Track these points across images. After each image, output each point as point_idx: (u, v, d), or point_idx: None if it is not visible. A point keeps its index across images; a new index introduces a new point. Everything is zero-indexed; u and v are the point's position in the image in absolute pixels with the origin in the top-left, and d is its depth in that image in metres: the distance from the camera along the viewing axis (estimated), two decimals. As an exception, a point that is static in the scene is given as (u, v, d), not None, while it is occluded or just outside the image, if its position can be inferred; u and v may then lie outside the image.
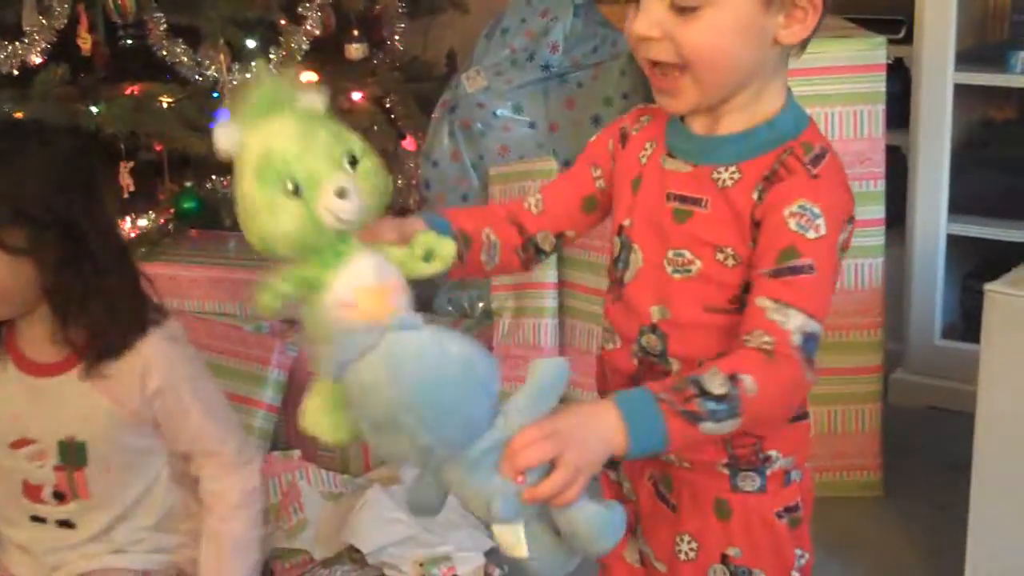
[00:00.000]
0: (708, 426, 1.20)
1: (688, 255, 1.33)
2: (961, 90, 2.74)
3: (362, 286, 1.22)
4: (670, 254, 1.35)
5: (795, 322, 1.24)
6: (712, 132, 1.35)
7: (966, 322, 2.82)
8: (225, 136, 1.25)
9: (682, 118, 1.37)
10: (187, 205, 2.90)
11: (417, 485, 1.25)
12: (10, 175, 1.62)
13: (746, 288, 1.30)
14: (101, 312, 1.67)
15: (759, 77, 1.32)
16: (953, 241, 2.82)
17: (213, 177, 2.95)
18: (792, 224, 1.26)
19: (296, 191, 1.20)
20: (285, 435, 2.64)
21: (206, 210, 2.94)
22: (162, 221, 2.91)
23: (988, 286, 1.98)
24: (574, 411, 1.20)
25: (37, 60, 2.79)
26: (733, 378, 1.21)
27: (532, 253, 1.48)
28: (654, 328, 1.36)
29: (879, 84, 2.35)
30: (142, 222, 2.89)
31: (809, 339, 1.25)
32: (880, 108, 2.35)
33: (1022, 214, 2.78)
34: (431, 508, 1.26)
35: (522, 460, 1.16)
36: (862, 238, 2.38)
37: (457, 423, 1.17)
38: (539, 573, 1.22)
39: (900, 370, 2.92)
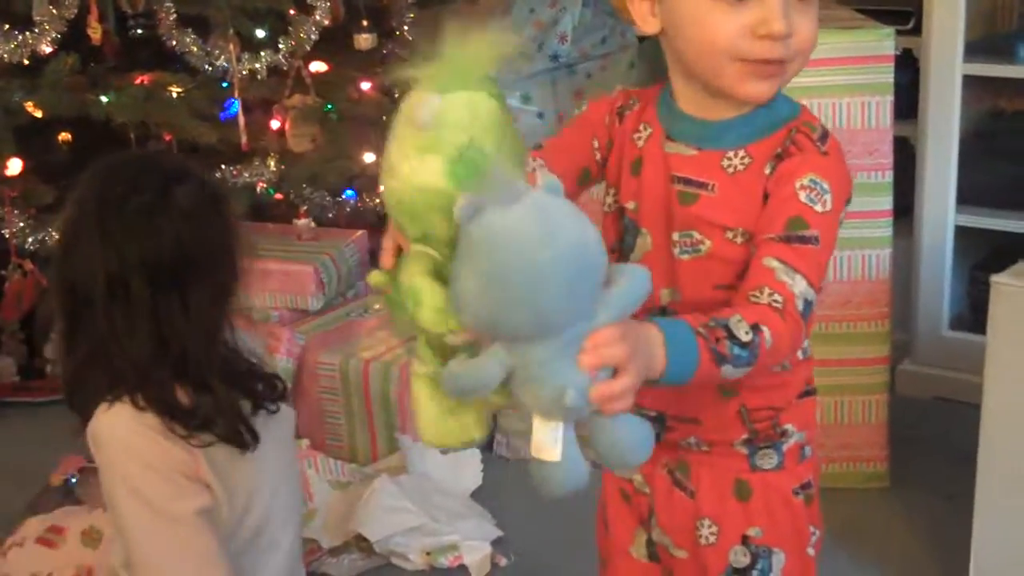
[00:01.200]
0: (727, 369, 1.21)
1: (696, 235, 1.35)
2: (970, 81, 2.74)
3: None
4: (676, 236, 1.36)
5: (800, 287, 1.26)
6: (709, 116, 1.36)
7: (974, 313, 2.82)
8: (428, 106, 1.14)
9: (675, 100, 1.38)
10: (196, 194, 2.90)
11: (477, 361, 1.14)
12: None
13: None
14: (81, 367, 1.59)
15: None
16: (961, 232, 2.82)
17: (222, 167, 2.96)
18: (803, 196, 1.29)
19: None
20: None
21: (215, 200, 2.93)
22: (171, 210, 2.91)
23: (995, 277, 1.98)
24: (630, 324, 1.17)
25: (47, 50, 2.79)
26: (756, 328, 1.22)
27: None
28: (663, 310, 1.37)
29: (887, 75, 2.34)
30: (151, 211, 2.89)
31: (808, 306, 1.27)
32: (888, 99, 2.35)
33: (1030, 205, 2.78)
34: (484, 386, 1.15)
35: (606, 356, 1.13)
36: (870, 229, 2.39)
37: (581, 296, 1.12)
38: (560, 482, 1.16)
39: (907, 361, 2.92)
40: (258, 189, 2.99)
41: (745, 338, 1.21)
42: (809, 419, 1.42)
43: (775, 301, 1.25)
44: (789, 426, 1.40)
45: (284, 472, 1.70)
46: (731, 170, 1.34)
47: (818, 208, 1.29)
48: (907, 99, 2.77)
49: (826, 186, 1.30)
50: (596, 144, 1.44)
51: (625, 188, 1.42)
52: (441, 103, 1.14)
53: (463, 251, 1.11)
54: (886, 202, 2.39)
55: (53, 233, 2.83)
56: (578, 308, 1.12)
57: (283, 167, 3.00)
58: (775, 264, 1.27)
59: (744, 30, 1.28)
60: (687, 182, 1.35)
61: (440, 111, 1.14)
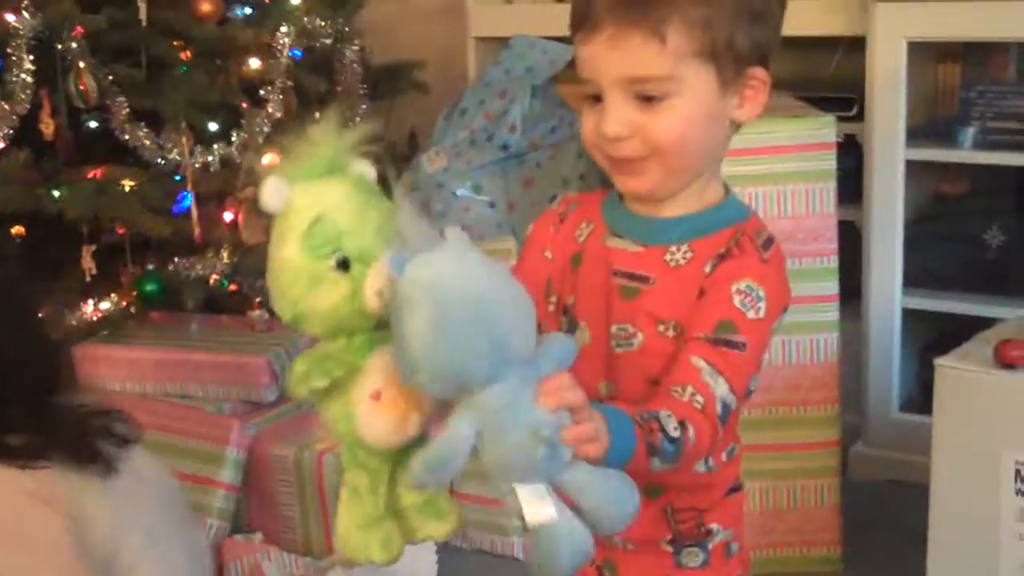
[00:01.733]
0: (656, 462, 1.22)
1: (631, 328, 1.35)
2: (913, 166, 2.79)
3: (392, 380, 1.16)
4: (613, 329, 1.36)
5: (721, 390, 1.27)
6: (656, 214, 1.36)
7: (924, 395, 2.84)
8: (275, 192, 1.19)
9: (622, 199, 1.39)
10: (149, 288, 2.90)
11: (447, 431, 1.13)
12: None
13: None
14: None
15: (715, 159, 1.37)
16: (909, 314, 2.86)
17: (175, 259, 2.96)
18: (737, 300, 1.29)
19: (344, 266, 1.16)
20: (247, 517, 2.64)
21: (168, 293, 2.94)
22: (124, 304, 2.91)
23: (938, 360, 2.01)
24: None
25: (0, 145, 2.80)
26: (683, 425, 1.23)
27: None
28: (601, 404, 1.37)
29: (829, 162, 2.39)
30: (104, 305, 2.89)
31: (726, 410, 1.28)
32: (831, 186, 2.39)
33: (976, 287, 2.82)
34: (459, 454, 1.13)
35: (566, 398, 1.14)
36: (817, 313, 2.41)
37: (528, 328, 1.13)
38: (566, 547, 1.15)
39: (860, 443, 2.93)
40: (212, 281, 2.99)
41: (674, 433, 1.22)
42: (736, 515, 1.43)
43: (696, 401, 1.25)
44: (714, 525, 1.40)
45: (166, 530, 1.68)
46: (673, 263, 1.34)
47: (750, 314, 1.29)
48: (853, 184, 2.82)
49: (762, 293, 1.30)
50: (549, 255, 1.45)
51: (565, 284, 1.42)
52: (290, 190, 1.19)
53: (400, 311, 1.10)
54: (832, 287, 2.42)
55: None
56: (527, 341, 1.13)
57: (236, 259, 3.01)
58: (701, 364, 1.27)
59: (597, 129, 1.32)
60: (630, 276, 1.36)
61: (288, 197, 1.18)
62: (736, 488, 1.44)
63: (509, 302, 1.11)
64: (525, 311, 1.14)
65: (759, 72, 1.33)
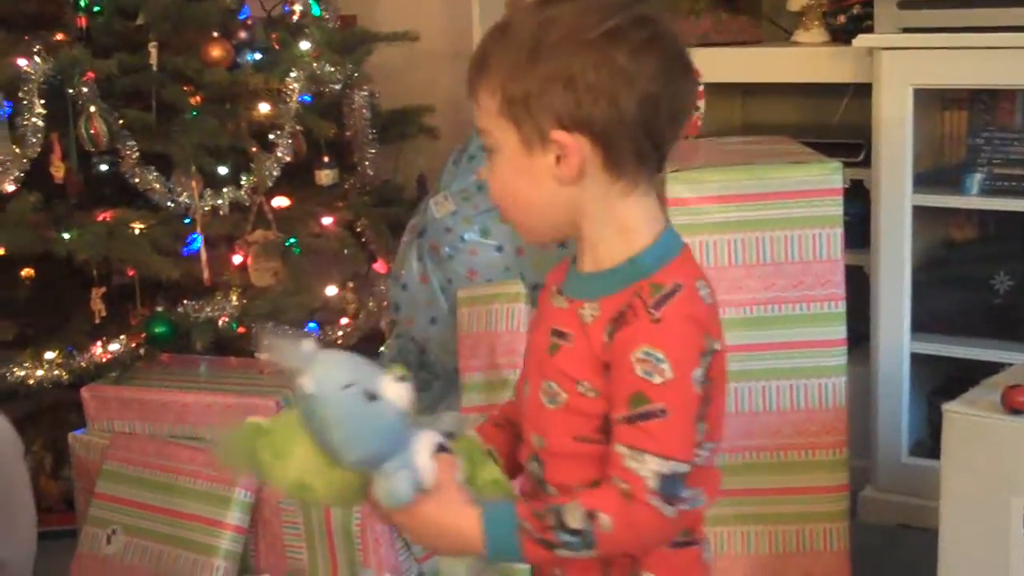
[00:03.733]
0: (563, 552, 1.29)
1: (555, 387, 1.37)
2: (920, 211, 2.80)
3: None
4: (543, 385, 1.39)
5: (650, 467, 1.28)
6: (580, 270, 1.40)
7: (933, 439, 2.82)
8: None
9: (574, 258, 1.43)
10: (158, 330, 2.91)
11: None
12: None
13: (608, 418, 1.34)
14: None
15: (588, 216, 1.37)
16: (917, 359, 2.86)
17: (184, 302, 2.98)
18: (639, 370, 1.29)
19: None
20: (255, 559, 2.63)
21: (177, 334, 2.95)
22: (133, 345, 2.92)
23: (946, 405, 2.01)
24: (442, 508, 1.32)
25: (10, 188, 2.82)
26: (591, 515, 1.28)
27: None
28: (535, 456, 1.41)
29: (836, 208, 2.39)
30: (114, 347, 2.91)
31: (667, 480, 1.28)
32: (838, 231, 2.39)
33: (984, 332, 2.82)
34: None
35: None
36: (824, 358, 2.41)
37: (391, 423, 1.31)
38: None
39: (869, 487, 2.93)
40: (220, 323, 3.00)
41: (576, 525, 1.28)
42: (681, 570, 1.40)
43: (623, 488, 1.29)
44: (647, 574, 1.38)
45: None
46: (583, 319, 1.36)
47: (656, 380, 1.29)
48: (860, 229, 2.82)
49: (660, 355, 1.29)
50: None
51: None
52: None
53: (307, 422, 1.31)
54: (840, 331, 2.42)
55: (14, 368, 2.83)
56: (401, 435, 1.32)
57: (245, 301, 3.02)
58: (623, 450, 1.29)
59: None
60: (557, 333, 1.39)
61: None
62: (684, 543, 1.40)
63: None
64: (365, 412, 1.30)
65: (563, 136, 1.33)
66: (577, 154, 1.34)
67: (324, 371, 1.28)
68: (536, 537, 1.28)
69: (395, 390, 1.30)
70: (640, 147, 1.35)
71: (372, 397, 1.28)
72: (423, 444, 1.32)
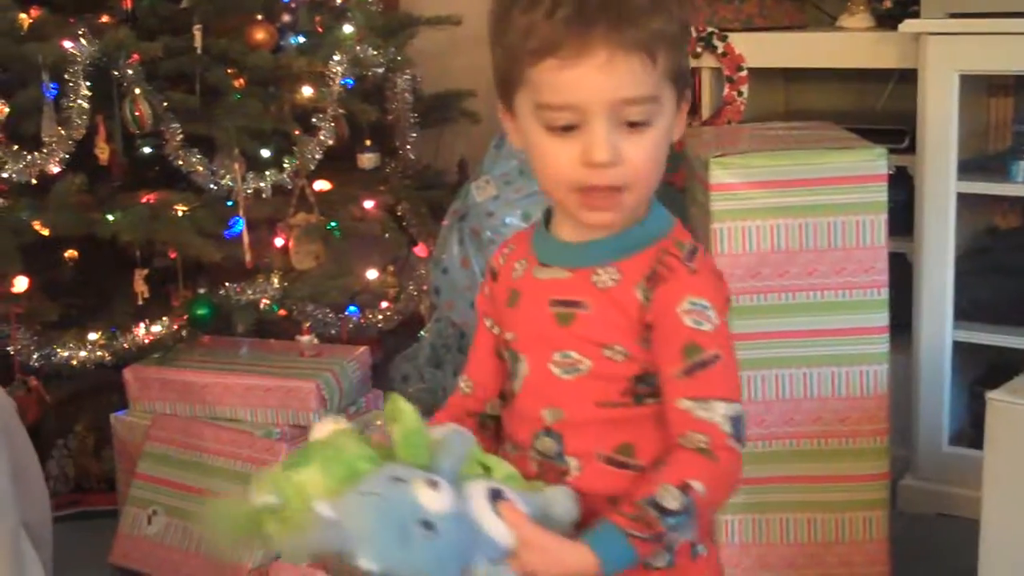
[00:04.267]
0: (674, 535, 1.29)
1: (575, 355, 1.36)
2: (964, 199, 2.78)
3: None
4: (556, 356, 1.38)
5: (720, 412, 1.30)
6: (582, 239, 1.38)
7: (974, 429, 2.82)
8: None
9: (547, 228, 1.42)
10: (200, 312, 2.93)
11: None
12: None
13: (638, 379, 1.35)
14: None
15: None
16: (959, 348, 2.84)
17: (226, 284, 2.99)
18: (687, 321, 1.31)
19: None
20: (294, 541, 2.65)
21: (219, 317, 2.97)
22: (175, 327, 2.94)
23: (990, 394, 1.99)
24: (550, 562, 1.26)
25: (55, 169, 2.84)
26: (685, 488, 1.28)
27: (490, 423, 1.51)
28: (548, 431, 1.39)
29: (880, 194, 2.37)
30: (156, 328, 2.92)
31: (736, 422, 1.31)
32: (882, 218, 2.37)
33: (1028, 321, 2.80)
34: None
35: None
36: (866, 345, 2.40)
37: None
38: None
39: (909, 476, 2.91)
40: (262, 306, 3.02)
41: (676, 505, 1.27)
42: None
43: (700, 443, 1.30)
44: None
45: None
46: (601, 286, 1.35)
47: (707, 327, 1.31)
48: (904, 215, 2.80)
49: (706, 302, 1.32)
50: (489, 322, 1.49)
51: (506, 321, 1.45)
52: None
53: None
54: (882, 318, 2.40)
55: (57, 349, 2.86)
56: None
57: (287, 284, 3.03)
58: (688, 404, 1.31)
59: (574, 160, 1.30)
60: (563, 303, 1.37)
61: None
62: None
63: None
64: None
65: (688, 95, 1.37)
66: (687, 104, 1.36)
67: (373, 543, 1.22)
68: (646, 537, 1.27)
69: (434, 498, 1.25)
70: None
71: (427, 525, 1.24)
72: (496, 530, 1.27)
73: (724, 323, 1.33)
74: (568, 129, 1.30)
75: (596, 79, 1.27)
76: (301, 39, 3.26)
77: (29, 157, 2.82)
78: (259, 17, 3.16)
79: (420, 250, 3.40)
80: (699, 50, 3.25)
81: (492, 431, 1.50)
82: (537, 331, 1.40)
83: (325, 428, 1.34)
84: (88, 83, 2.85)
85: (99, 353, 2.87)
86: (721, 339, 1.32)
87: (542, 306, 1.39)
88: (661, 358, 1.33)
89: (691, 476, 1.28)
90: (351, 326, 3.25)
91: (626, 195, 1.32)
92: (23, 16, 2.93)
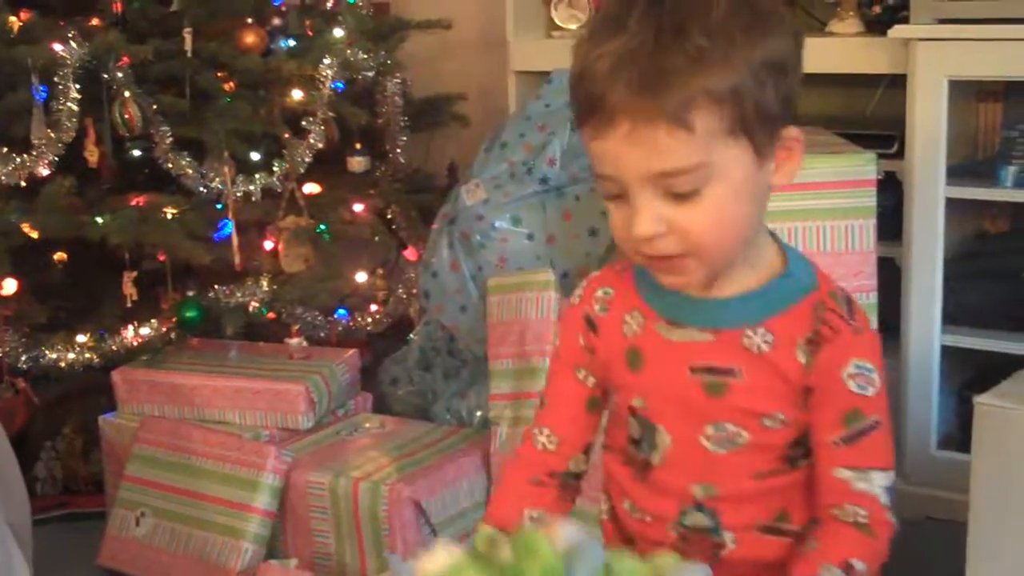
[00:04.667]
0: None
1: (732, 428, 1.27)
2: (953, 203, 2.78)
3: None
4: (709, 430, 1.27)
5: (878, 483, 1.25)
6: (715, 293, 1.26)
7: (962, 433, 2.82)
8: None
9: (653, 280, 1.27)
10: (189, 314, 2.93)
11: None
12: None
13: (795, 443, 1.26)
14: None
15: (758, 228, 1.27)
16: (948, 352, 2.84)
17: (215, 287, 2.99)
18: (852, 386, 1.24)
19: None
20: (282, 543, 2.65)
21: (207, 319, 2.96)
22: (164, 330, 2.93)
23: (978, 398, 2.00)
24: None
25: (44, 172, 2.83)
26: (847, 568, 1.22)
27: (572, 482, 1.41)
28: (700, 507, 1.30)
29: (870, 199, 2.38)
30: (145, 330, 2.92)
31: (890, 492, 1.26)
32: (871, 222, 2.38)
33: (1016, 325, 2.80)
34: None
35: None
36: (855, 349, 2.40)
37: None
38: None
39: (897, 480, 2.91)
40: (251, 308, 3.02)
41: None
42: None
43: (860, 517, 1.24)
44: None
45: None
46: (755, 350, 1.25)
47: (870, 393, 1.25)
48: (893, 221, 2.81)
49: (871, 366, 1.25)
50: (582, 374, 1.37)
51: (626, 384, 1.32)
52: None
53: None
54: (871, 323, 2.40)
55: (46, 351, 2.85)
56: None
57: (276, 287, 3.04)
58: (847, 474, 1.24)
59: (628, 228, 1.20)
60: (711, 371, 1.26)
61: None
62: None
63: None
64: None
65: (793, 131, 1.22)
66: (800, 149, 1.22)
67: None
68: None
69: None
70: None
71: None
72: None
73: (884, 385, 1.26)
74: (619, 196, 1.19)
75: (623, 151, 1.15)
76: (291, 42, 3.26)
77: (18, 159, 2.81)
78: (249, 20, 3.16)
79: (410, 253, 3.41)
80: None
81: (573, 490, 1.41)
82: (680, 401, 1.28)
83: (438, 559, 1.17)
84: (78, 86, 2.85)
85: (87, 355, 2.87)
86: (881, 403, 1.26)
87: (681, 372, 1.27)
88: (819, 421, 1.25)
89: (853, 555, 1.22)
90: (340, 329, 3.25)
91: (691, 261, 1.20)
92: (13, 19, 2.92)
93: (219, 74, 3.08)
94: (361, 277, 3.36)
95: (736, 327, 1.25)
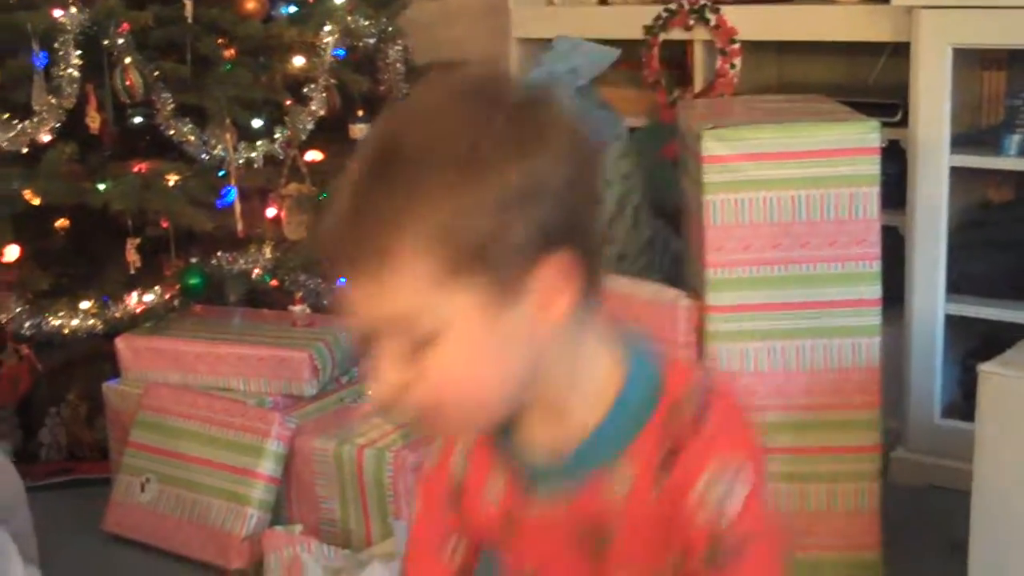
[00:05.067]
0: None
1: None
2: (957, 172, 2.78)
3: None
4: None
5: None
6: (564, 438, 1.11)
7: (966, 401, 2.83)
8: None
9: (510, 430, 1.13)
10: (192, 281, 2.93)
11: None
12: None
13: None
14: None
15: (555, 369, 1.08)
16: (951, 321, 2.84)
17: (218, 254, 2.99)
18: (701, 515, 1.07)
19: None
20: (287, 509, 2.65)
21: (211, 286, 2.97)
22: (167, 296, 2.94)
23: (982, 366, 2.00)
24: None
25: (46, 138, 2.83)
26: None
27: None
28: None
29: (873, 167, 2.37)
30: (148, 297, 2.92)
31: None
32: (875, 191, 2.38)
33: (1020, 294, 2.80)
34: None
35: None
36: (858, 317, 2.40)
37: None
38: None
39: (901, 448, 2.92)
40: (254, 276, 3.02)
41: None
42: None
43: None
44: None
45: None
46: (622, 495, 1.10)
47: (729, 508, 1.06)
48: (897, 189, 2.80)
49: (733, 467, 1.06)
50: (451, 549, 1.24)
51: (502, 546, 1.20)
52: None
53: None
54: (874, 291, 2.41)
55: (49, 318, 2.85)
56: None
57: (279, 254, 3.03)
58: None
59: None
60: (588, 531, 1.12)
61: None
62: None
63: None
64: None
65: (554, 261, 1.02)
66: (571, 280, 1.03)
67: None
68: None
69: None
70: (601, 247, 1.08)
71: None
72: None
73: (760, 482, 1.08)
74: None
75: (350, 298, 1.03)
76: (292, 9, 3.25)
77: (20, 126, 2.81)
78: (251, -14, 3.15)
79: (412, 221, 3.40)
80: (691, 23, 3.25)
81: None
82: (565, 570, 1.15)
83: None
84: (78, 52, 2.84)
85: (91, 322, 2.87)
86: (751, 512, 1.08)
87: (563, 543, 1.14)
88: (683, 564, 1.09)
89: None
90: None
91: (453, 416, 1.05)
92: (13, -15, 2.91)
93: (220, 40, 3.07)
94: (363, 244, 3.36)
95: (595, 474, 1.10)
